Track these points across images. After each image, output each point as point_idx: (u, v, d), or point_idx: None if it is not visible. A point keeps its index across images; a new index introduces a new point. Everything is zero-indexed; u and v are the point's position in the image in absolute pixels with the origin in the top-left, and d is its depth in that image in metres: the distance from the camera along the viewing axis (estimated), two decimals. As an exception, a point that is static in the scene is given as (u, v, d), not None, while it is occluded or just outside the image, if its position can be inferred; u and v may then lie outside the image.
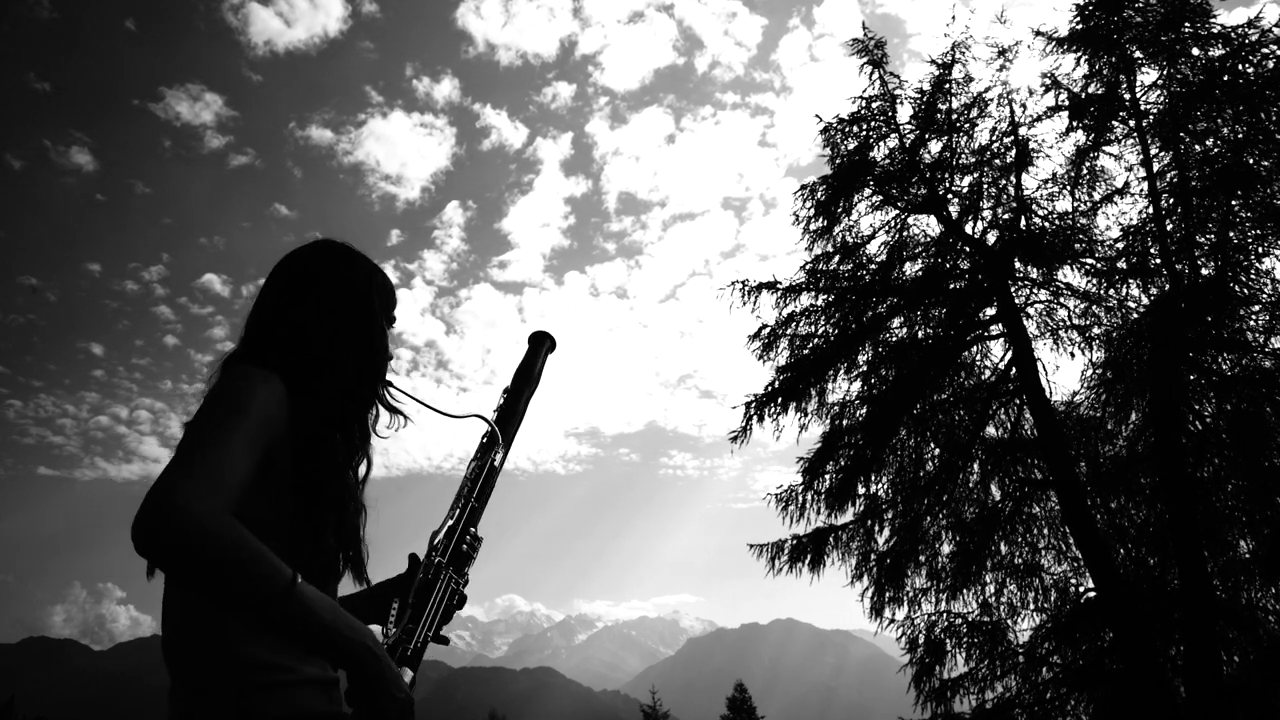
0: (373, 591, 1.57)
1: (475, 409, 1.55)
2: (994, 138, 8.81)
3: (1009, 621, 8.19)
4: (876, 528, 8.55)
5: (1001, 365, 8.54)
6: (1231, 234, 7.86)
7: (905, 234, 9.07)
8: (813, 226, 9.23)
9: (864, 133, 9.20)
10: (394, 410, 1.52)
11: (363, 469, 1.48)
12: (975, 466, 8.59)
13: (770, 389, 8.90)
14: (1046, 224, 8.56)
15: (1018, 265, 8.54)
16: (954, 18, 8.90)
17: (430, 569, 1.40)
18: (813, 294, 9.03)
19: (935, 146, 9.01)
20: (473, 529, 1.50)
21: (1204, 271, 7.95)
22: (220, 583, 1.05)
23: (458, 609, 1.47)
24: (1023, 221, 8.59)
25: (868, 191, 9.09)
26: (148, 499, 1.05)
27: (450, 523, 1.47)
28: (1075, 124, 8.55)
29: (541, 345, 1.82)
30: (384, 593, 1.56)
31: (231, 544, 1.05)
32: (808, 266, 9.17)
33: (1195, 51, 8.21)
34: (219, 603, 1.09)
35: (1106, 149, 8.58)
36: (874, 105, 9.18)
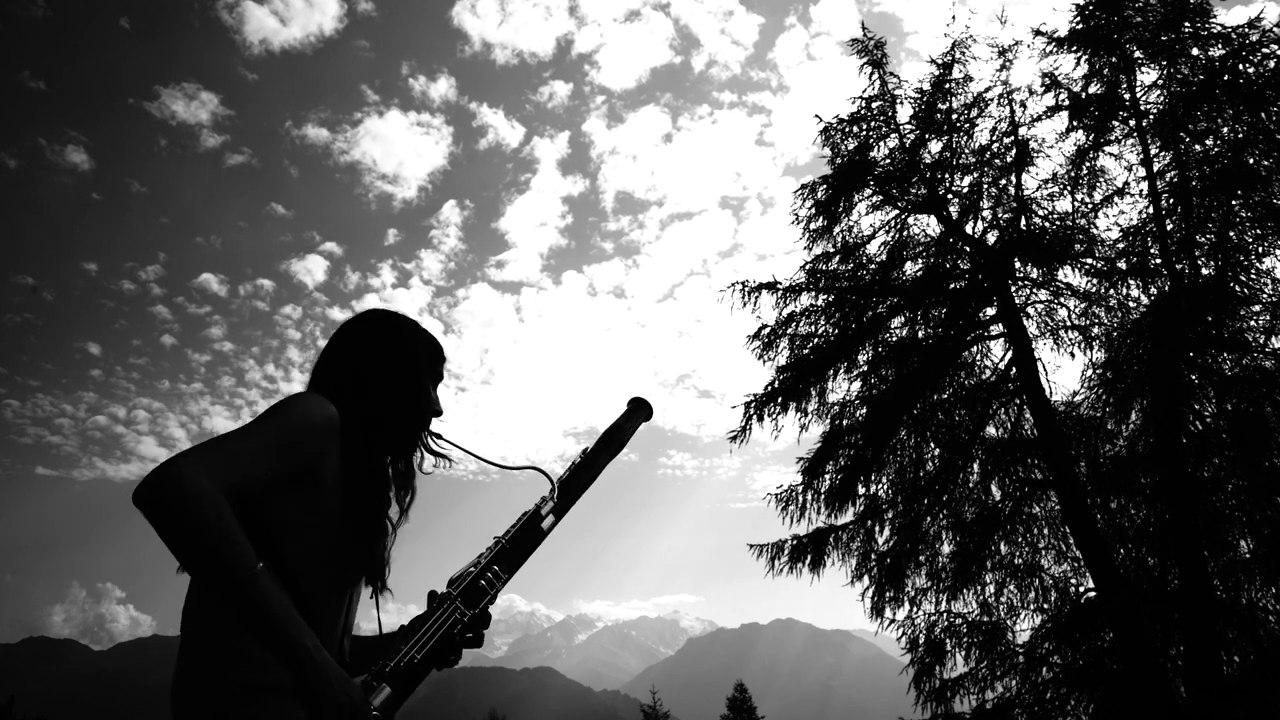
0: (388, 635, 1.63)
1: (531, 463, 1.84)
2: (994, 138, 8.81)
3: (1009, 621, 8.18)
4: (876, 528, 8.54)
5: (1001, 365, 8.54)
6: (1231, 234, 7.85)
7: (905, 234, 9.07)
8: (813, 226, 9.24)
9: (864, 133, 9.20)
10: (437, 454, 1.69)
11: (406, 499, 1.68)
12: (975, 466, 8.58)
13: (770, 389, 8.89)
14: (1046, 224, 8.56)
15: (1018, 265, 8.54)
16: (954, 17, 8.91)
17: (434, 599, 1.48)
18: (812, 294, 9.03)
19: (935, 146, 9.02)
20: (496, 568, 1.52)
21: (1204, 271, 7.94)
22: (187, 547, 1.18)
23: (472, 645, 1.51)
24: (1023, 221, 8.58)
25: (868, 191, 9.09)
26: (160, 464, 1.21)
27: (473, 561, 1.53)
28: (1075, 124, 8.54)
29: (639, 412, 1.84)
30: (396, 633, 1.62)
31: (207, 517, 1.17)
32: (807, 266, 9.18)
33: (1195, 51, 8.20)
34: (185, 565, 1.20)
35: (1106, 149, 8.57)
36: (874, 105, 9.19)
